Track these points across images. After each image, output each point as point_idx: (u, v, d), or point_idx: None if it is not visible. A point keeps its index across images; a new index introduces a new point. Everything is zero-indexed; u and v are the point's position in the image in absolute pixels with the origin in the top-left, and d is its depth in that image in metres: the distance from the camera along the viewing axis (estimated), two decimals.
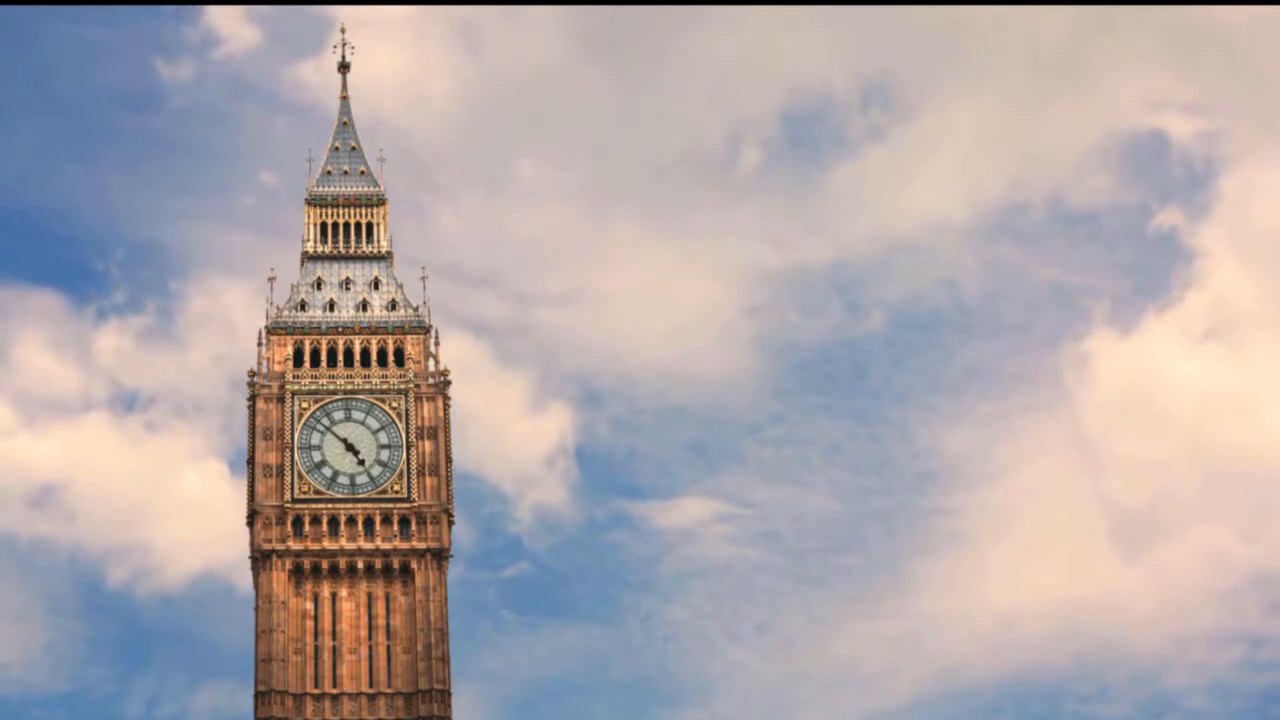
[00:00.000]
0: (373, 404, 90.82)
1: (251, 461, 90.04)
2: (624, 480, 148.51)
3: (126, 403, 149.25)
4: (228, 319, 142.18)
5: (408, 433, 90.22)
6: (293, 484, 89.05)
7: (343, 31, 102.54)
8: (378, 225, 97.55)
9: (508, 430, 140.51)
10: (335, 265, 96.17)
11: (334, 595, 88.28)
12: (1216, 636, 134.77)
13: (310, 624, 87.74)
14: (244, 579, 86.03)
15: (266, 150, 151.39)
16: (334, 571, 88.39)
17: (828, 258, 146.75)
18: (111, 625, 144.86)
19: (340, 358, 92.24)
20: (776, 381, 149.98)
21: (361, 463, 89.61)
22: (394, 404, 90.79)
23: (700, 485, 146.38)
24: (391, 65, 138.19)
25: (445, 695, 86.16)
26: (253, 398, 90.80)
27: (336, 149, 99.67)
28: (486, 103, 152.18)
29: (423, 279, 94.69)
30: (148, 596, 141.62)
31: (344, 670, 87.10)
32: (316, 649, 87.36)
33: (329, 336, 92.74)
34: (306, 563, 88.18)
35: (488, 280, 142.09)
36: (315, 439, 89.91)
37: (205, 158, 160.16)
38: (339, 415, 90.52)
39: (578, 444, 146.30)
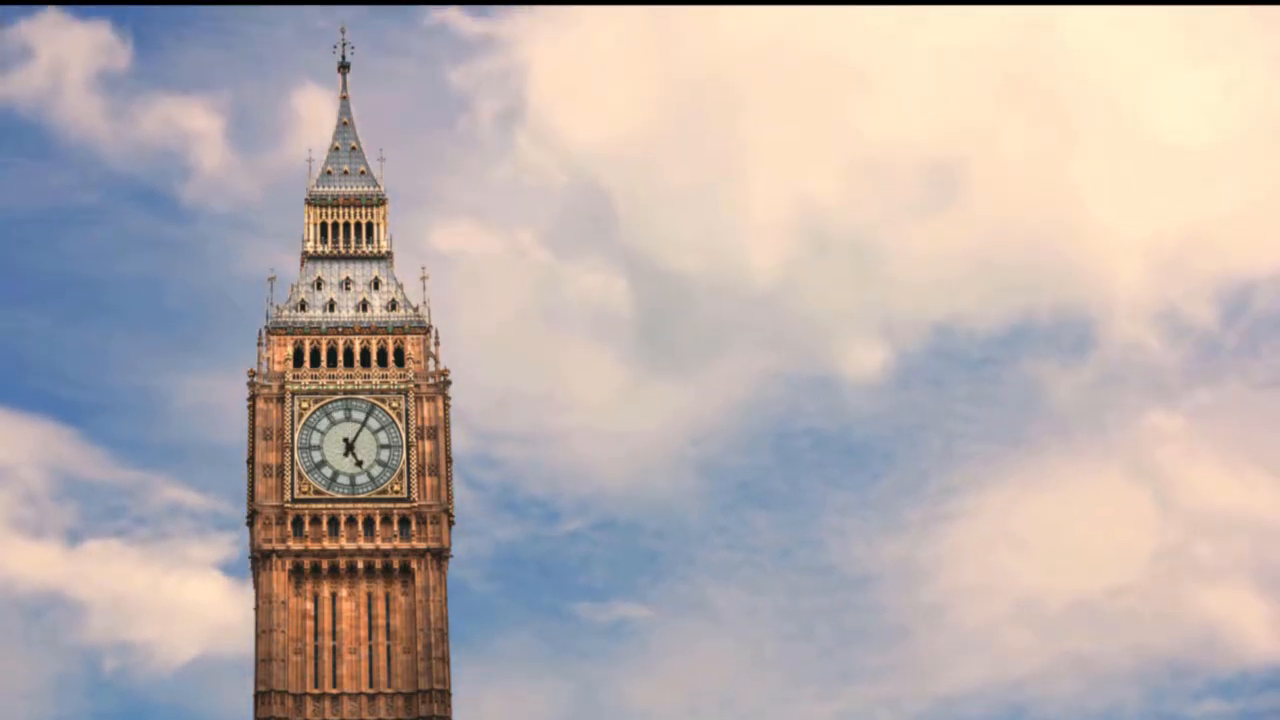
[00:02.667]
0: (373, 404, 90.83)
1: (251, 461, 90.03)
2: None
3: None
4: None
5: (408, 433, 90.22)
6: (293, 484, 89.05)
7: (343, 32, 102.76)
8: (378, 225, 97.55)
9: None
10: (335, 265, 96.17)
11: (334, 595, 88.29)
12: None
13: (310, 624, 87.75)
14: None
15: None
16: (334, 571, 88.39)
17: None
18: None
19: (340, 358, 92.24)
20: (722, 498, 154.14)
21: (360, 464, 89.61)
22: (394, 404, 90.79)
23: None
24: None
25: (445, 695, 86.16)
26: (253, 398, 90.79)
27: (336, 149, 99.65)
28: None
29: (423, 279, 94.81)
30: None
31: (344, 670, 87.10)
32: (316, 649, 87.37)
33: (329, 336, 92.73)
34: (306, 563, 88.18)
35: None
36: (315, 439, 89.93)
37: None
38: (339, 415, 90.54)
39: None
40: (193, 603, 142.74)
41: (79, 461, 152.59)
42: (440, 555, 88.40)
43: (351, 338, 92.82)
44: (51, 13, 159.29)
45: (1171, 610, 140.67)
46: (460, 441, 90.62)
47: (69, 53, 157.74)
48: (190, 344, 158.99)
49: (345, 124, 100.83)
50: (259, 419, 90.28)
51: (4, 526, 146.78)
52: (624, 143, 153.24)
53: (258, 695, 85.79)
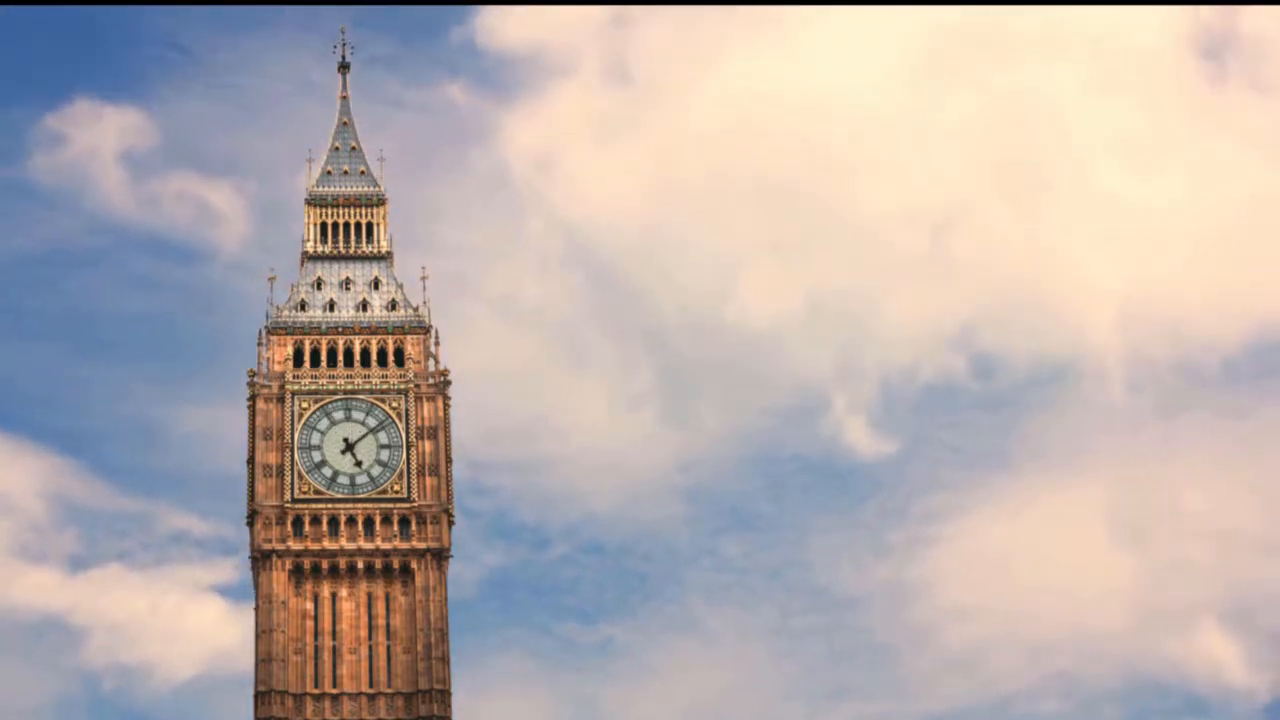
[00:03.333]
0: (373, 404, 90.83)
1: (251, 461, 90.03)
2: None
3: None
4: None
5: (408, 433, 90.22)
6: (293, 484, 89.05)
7: (343, 32, 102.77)
8: (378, 225, 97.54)
9: None
10: (335, 265, 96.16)
11: (334, 595, 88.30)
12: None
13: (310, 624, 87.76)
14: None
15: None
16: (334, 571, 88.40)
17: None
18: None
19: (340, 358, 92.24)
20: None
21: (359, 464, 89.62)
22: (394, 404, 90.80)
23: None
24: None
25: (445, 695, 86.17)
26: (253, 398, 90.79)
27: (336, 149, 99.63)
28: None
29: (423, 279, 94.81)
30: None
31: (344, 670, 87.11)
32: (316, 649, 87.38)
33: (329, 336, 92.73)
34: (306, 563, 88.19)
35: None
36: (315, 439, 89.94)
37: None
38: (339, 415, 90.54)
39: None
40: (193, 625, 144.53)
41: (80, 490, 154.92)
42: (440, 555, 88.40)
43: (351, 338, 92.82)
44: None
45: (1156, 633, 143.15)
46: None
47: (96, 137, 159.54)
48: (190, 376, 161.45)
49: (345, 124, 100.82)
50: (259, 419, 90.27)
51: (7, 553, 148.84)
52: (618, 208, 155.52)
53: (258, 695, 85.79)
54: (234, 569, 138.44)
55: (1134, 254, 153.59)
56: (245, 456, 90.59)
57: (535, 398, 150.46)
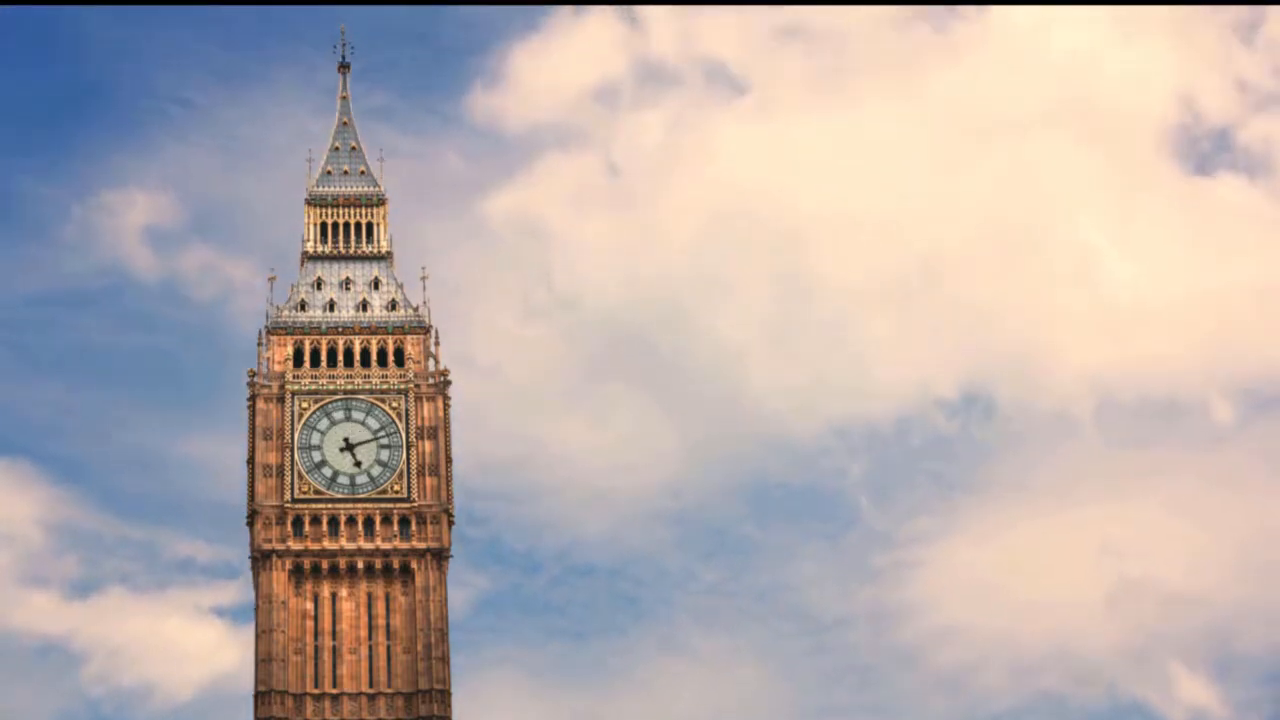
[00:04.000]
0: (373, 404, 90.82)
1: (251, 461, 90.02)
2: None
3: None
4: None
5: (408, 433, 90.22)
6: (293, 484, 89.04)
7: (343, 32, 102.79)
8: (378, 225, 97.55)
9: None
10: (335, 265, 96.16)
11: (334, 595, 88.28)
12: None
13: (310, 624, 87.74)
14: None
15: None
16: (334, 571, 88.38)
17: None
18: None
19: (340, 358, 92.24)
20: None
21: (358, 464, 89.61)
22: (394, 404, 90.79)
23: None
24: None
25: (445, 695, 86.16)
26: (253, 398, 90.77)
27: (336, 149, 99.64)
28: None
29: (423, 279, 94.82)
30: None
31: (344, 670, 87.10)
32: (316, 649, 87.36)
33: (329, 336, 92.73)
34: (306, 563, 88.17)
35: None
36: (315, 439, 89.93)
37: None
38: (339, 415, 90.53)
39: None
40: (193, 647, 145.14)
41: (81, 516, 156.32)
42: (440, 555, 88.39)
43: (351, 338, 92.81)
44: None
45: (1138, 653, 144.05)
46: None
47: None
48: (190, 406, 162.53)
49: (345, 124, 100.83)
50: (259, 419, 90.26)
51: (9, 578, 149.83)
52: (607, 261, 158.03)
53: (258, 695, 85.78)
54: (234, 591, 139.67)
55: (1113, 320, 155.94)
56: (245, 458, 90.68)
57: (528, 429, 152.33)
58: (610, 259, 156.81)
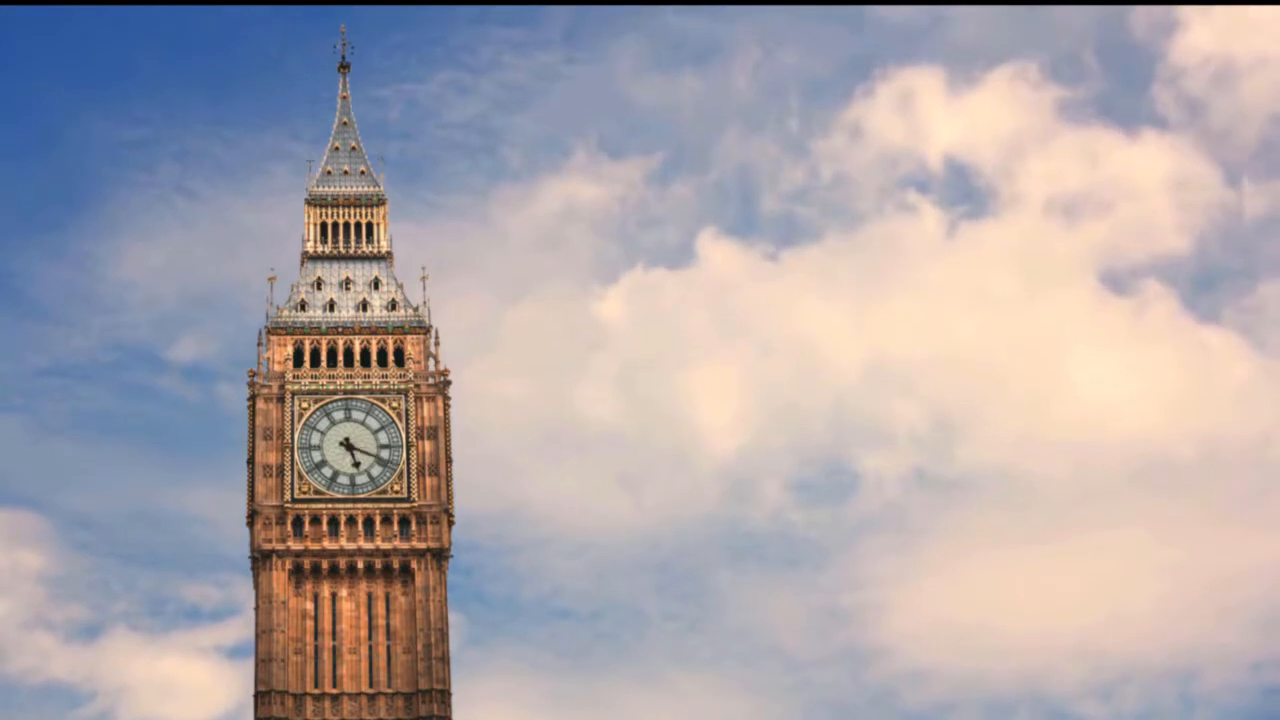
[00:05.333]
0: (373, 404, 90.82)
1: (251, 461, 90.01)
2: None
3: None
4: None
5: (408, 433, 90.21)
6: (293, 484, 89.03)
7: (343, 32, 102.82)
8: (378, 225, 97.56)
9: None
10: (335, 265, 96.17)
11: (334, 595, 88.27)
12: None
13: (310, 624, 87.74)
14: None
15: None
16: (334, 571, 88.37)
17: None
18: None
19: (340, 358, 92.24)
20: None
21: (356, 465, 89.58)
22: (394, 404, 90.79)
23: None
24: None
25: (445, 695, 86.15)
26: (253, 398, 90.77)
27: (336, 149, 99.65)
28: None
29: (423, 279, 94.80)
30: None
31: (344, 670, 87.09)
32: (316, 649, 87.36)
33: (329, 336, 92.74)
34: (306, 563, 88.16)
35: None
36: (315, 439, 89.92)
37: None
38: (339, 415, 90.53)
39: None
40: (196, 683, 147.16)
41: (83, 562, 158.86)
42: (440, 555, 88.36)
43: (351, 338, 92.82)
44: None
45: (1111, 692, 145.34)
46: None
47: None
48: (193, 465, 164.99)
49: (345, 124, 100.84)
50: (259, 419, 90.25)
51: (15, 624, 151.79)
52: None
53: (258, 695, 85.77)
54: (237, 629, 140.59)
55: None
56: (245, 458, 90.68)
57: (512, 485, 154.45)
58: None
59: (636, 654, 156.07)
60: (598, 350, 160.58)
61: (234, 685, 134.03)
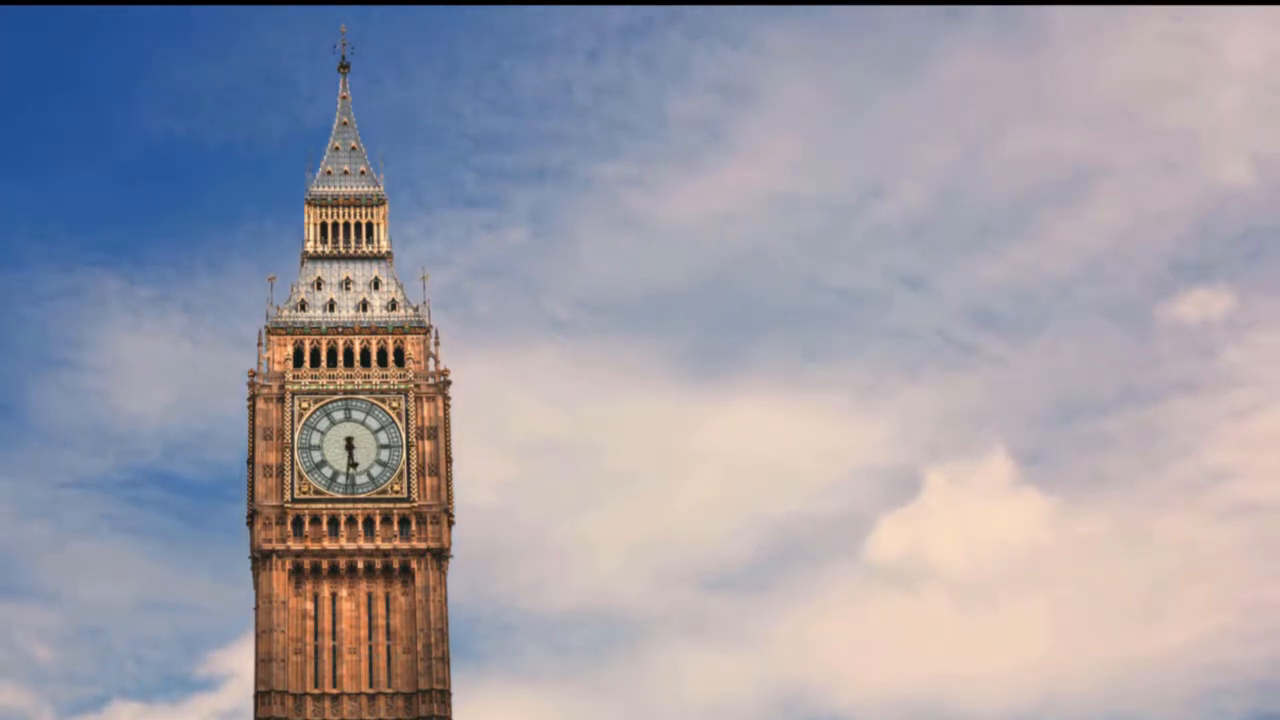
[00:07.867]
0: (373, 404, 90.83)
1: (251, 461, 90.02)
2: None
3: None
4: None
5: (408, 433, 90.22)
6: (293, 484, 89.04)
7: (343, 31, 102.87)
8: (378, 225, 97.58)
9: None
10: (335, 265, 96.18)
11: (334, 595, 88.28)
12: None
13: (310, 624, 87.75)
14: None
15: None
16: (334, 571, 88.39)
17: None
18: None
19: (340, 358, 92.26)
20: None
21: (355, 465, 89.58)
22: (394, 404, 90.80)
23: None
24: None
25: (445, 695, 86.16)
26: (253, 398, 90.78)
27: (336, 149, 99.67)
28: None
29: (423, 279, 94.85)
30: None
31: (344, 670, 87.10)
32: (316, 649, 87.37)
33: (329, 336, 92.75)
34: (306, 563, 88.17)
35: None
36: (315, 439, 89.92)
37: None
38: (339, 415, 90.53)
39: None
40: None
41: (82, 640, 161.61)
42: (440, 555, 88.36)
43: (351, 338, 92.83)
44: None
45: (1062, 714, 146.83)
46: None
47: None
48: (194, 552, 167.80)
49: (345, 124, 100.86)
50: (259, 419, 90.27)
51: (19, 690, 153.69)
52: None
53: (258, 695, 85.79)
54: (235, 697, 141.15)
55: None
56: (245, 458, 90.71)
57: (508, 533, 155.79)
58: None
59: (637, 654, 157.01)
60: None
61: None
